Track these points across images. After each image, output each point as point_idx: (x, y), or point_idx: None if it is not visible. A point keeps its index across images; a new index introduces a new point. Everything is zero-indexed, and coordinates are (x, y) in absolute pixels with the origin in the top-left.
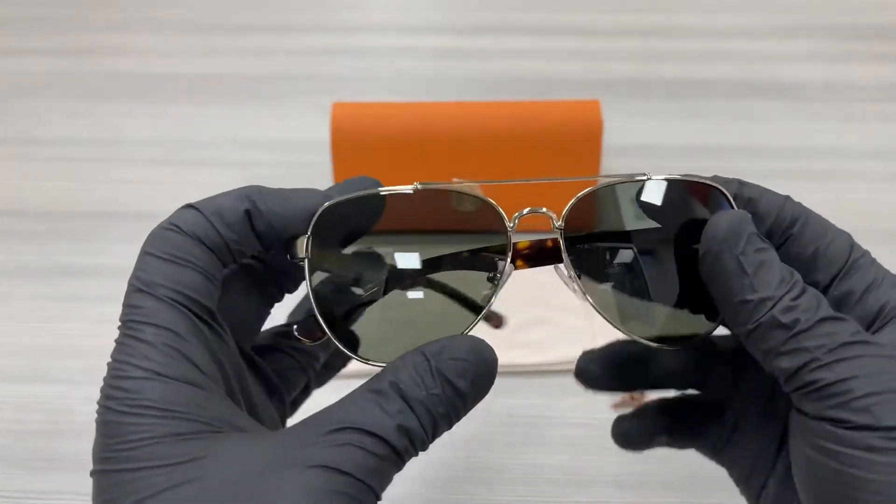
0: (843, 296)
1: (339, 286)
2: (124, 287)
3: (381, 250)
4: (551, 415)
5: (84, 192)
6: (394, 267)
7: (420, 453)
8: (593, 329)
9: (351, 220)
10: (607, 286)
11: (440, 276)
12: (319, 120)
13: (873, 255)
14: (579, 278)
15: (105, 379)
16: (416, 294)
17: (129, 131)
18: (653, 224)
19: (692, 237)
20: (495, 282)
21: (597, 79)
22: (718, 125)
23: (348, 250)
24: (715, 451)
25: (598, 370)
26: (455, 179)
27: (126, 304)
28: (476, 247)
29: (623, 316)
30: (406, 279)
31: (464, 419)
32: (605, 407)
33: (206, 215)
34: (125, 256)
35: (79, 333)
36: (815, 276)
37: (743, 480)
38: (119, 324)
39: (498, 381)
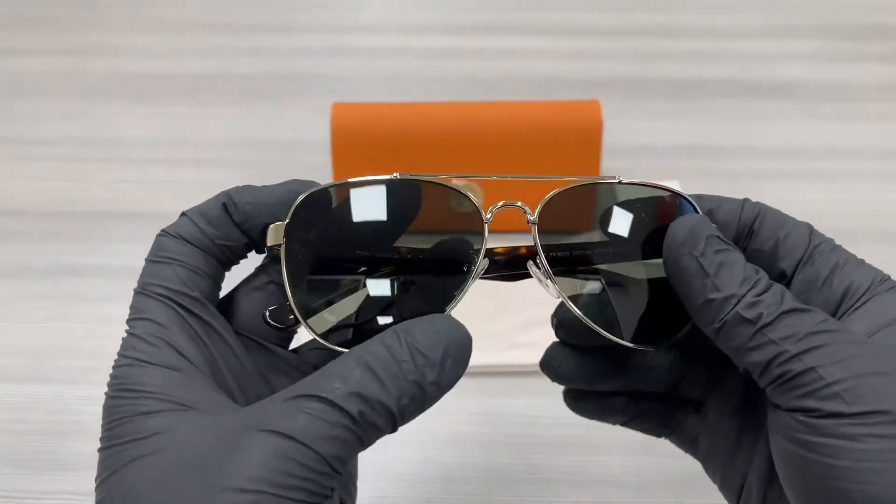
0: (808, 281)
1: (314, 273)
2: (124, 287)
3: (358, 239)
4: (551, 415)
5: (84, 192)
6: (370, 256)
7: (396, 429)
8: None
9: (330, 208)
10: (581, 285)
11: (414, 267)
12: (319, 120)
13: (873, 255)
14: (553, 274)
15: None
16: (390, 283)
17: (130, 131)
18: (622, 226)
19: (659, 241)
20: (468, 274)
21: (597, 79)
22: (718, 125)
23: (325, 238)
24: (689, 444)
25: (570, 364)
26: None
27: (130, 307)
28: (452, 238)
29: (596, 314)
30: (381, 269)
31: (464, 419)
32: None
33: (189, 217)
34: (125, 256)
35: (79, 333)
36: (779, 266)
37: (719, 478)
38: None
39: (498, 380)
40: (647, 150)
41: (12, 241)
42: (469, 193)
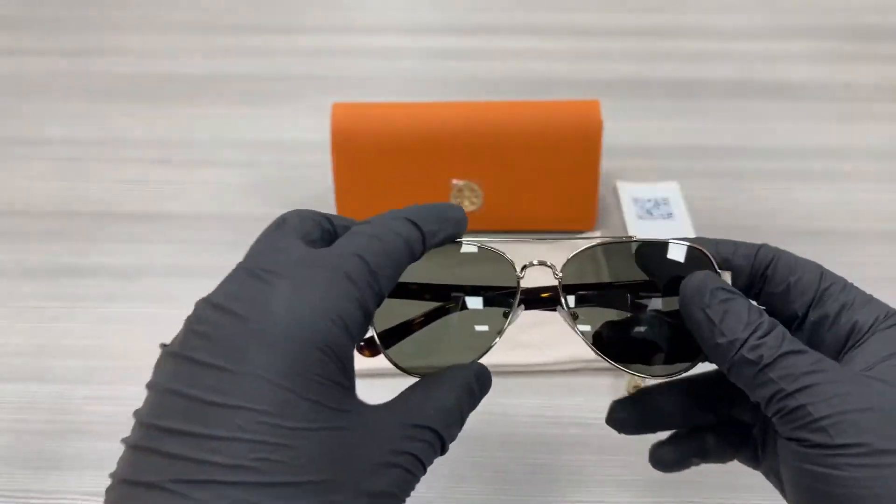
0: (819, 321)
1: (393, 314)
2: (124, 286)
3: (426, 286)
4: (551, 414)
5: (85, 192)
6: (435, 300)
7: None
8: None
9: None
10: (602, 328)
11: (466, 311)
12: (319, 120)
13: (872, 256)
14: (575, 320)
15: None
16: (448, 323)
17: (131, 132)
18: (641, 277)
19: (674, 290)
20: (507, 317)
21: (596, 79)
22: (718, 125)
23: (402, 286)
24: (755, 463)
25: (629, 417)
26: (454, 181)
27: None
28: (493, 288)
29: (618, 355)
30: (442, 313)
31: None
32: (604, 407)
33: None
34: (125, 256)
35: (80, 333)
36: (791, 307)
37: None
38: None
39: (498, 380)
40: (647, 150)
41: (13, 240)
42: (509, 258)
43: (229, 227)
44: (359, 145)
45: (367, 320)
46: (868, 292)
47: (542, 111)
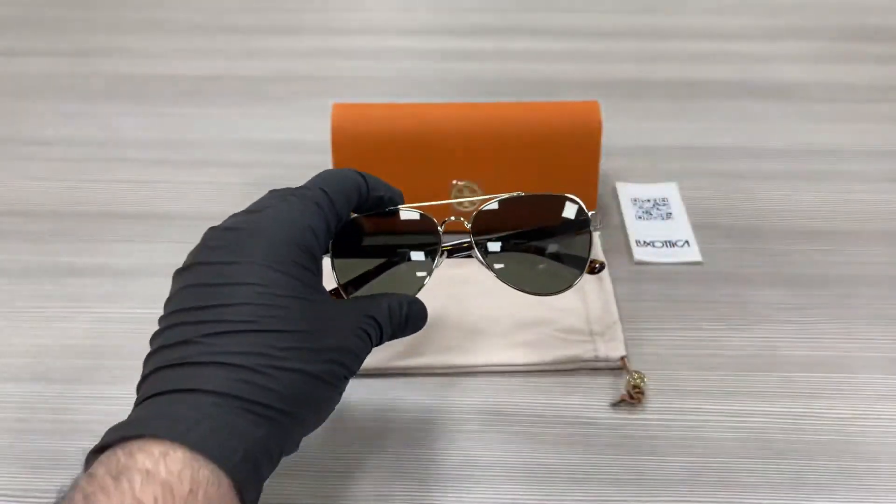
0: None
1: (355, 269)
2: (125, 286)
3: (378, 241)
4: (550, 413)
5: (86, 192)
6: (377, 254)
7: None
8: (591, 330)
9: (363, 229)
10: (503, 263)
11: (406, 262)
12: (320, 120)
13: (871, 255)
14: (485, 259)
15: None
16: (394, 272)
17: (131, 132)
18: (527, 222)
19: (550, 230)
20: (430, 268)
21: (596, 80)
22: (717, 126)
23: (361, 248)
24: None
25: None
26: (454, 181)
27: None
28: (423, 244)
29: (516, 280)
30: (390, 265)
31: (464, 417)
32: (603, 406)
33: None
34: (126, 256)
35: (80, 333)
36: None
37: None
38: None
39: (498, 379)
40: (646, 150)
41: (14, 240)
42: (430, 216)
43: None
44: (359, 145)
45: (329, 232)
46: (866, 292)
47: (542, 112)
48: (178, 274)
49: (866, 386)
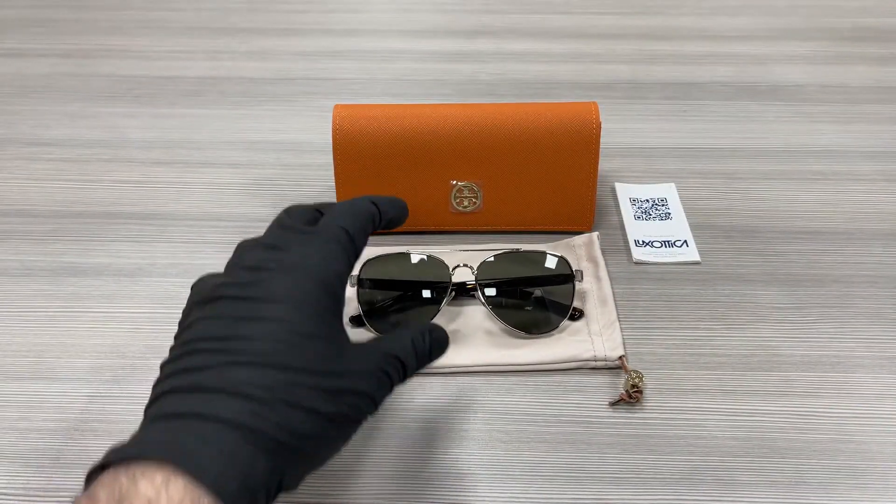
0: None
1: (374, 300)
2: (128, 286)
3: (395, 282)
4: (550, 413)
5: (88, 193)
6: (398, 288)
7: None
8: (590, 330)
9: (385, 265)
10: (501, 306)
11: (419, 297)
12: (320, 121)
13: (869, 255)
14: (486, 301)
15: None
16: (407, 305)
17: (133, 133)
18: (524, 272)
19: (546, 281)
20: (443, 299)
21: (595, 81)
22: (715, 127)
23: (380, 282)
24: None
25: None
26: (454, 181)
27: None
28: (435, 282)
29: (510, 319)
30: (405, 299)
31: (464, 417)
32: (603, 405)
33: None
34: (127, 256)
35: (83, 333)
36: None
37: None
38: None
39: (498, 379)
40: (645, 151)
41: (16, 240)
42: (444, 259)
43: (230, 227)
44: (359, 146)
45: (350, 268)
46: (864, 292)
47: (541, 112)
48: (201, 305)
49: (864, 385)
